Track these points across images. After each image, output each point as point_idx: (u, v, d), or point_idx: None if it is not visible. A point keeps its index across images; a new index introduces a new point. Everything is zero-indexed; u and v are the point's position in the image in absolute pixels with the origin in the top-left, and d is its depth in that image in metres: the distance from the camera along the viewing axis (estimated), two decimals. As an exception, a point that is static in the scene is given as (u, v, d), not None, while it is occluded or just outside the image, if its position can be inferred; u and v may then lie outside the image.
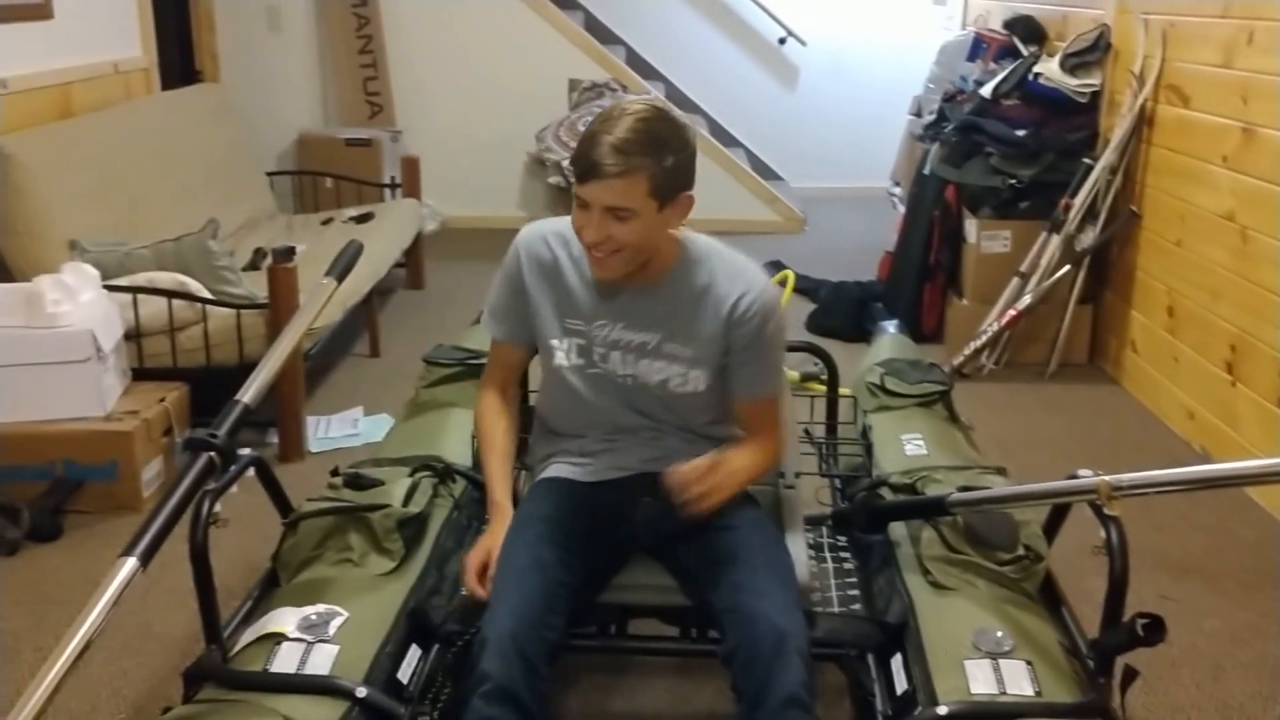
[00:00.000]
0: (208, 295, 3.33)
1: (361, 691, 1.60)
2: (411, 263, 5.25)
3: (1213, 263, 3.48)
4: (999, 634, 1.69)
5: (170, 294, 3.27)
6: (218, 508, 1.71)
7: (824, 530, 2.29)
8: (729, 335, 1.84)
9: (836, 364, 2.55)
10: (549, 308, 1.91)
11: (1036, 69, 4.36)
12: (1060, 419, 3.80)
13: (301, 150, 6.03)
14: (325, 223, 4.85)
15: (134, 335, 3.26)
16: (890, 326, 3.09)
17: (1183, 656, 2.41)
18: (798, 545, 1.98)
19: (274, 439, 3.39)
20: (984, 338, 4.12)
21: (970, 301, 4.32)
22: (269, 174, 5.44)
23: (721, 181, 6.42)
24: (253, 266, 3.97)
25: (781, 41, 7.28)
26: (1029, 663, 1.63)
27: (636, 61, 6.93)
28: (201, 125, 4.78)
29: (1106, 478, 1.62)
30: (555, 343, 1.91)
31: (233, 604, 1.92)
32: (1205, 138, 3.54)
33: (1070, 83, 4.25)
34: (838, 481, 2.46)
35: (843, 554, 2.20)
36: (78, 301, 2.98)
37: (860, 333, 4.31)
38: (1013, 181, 4.20)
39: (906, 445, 2.35)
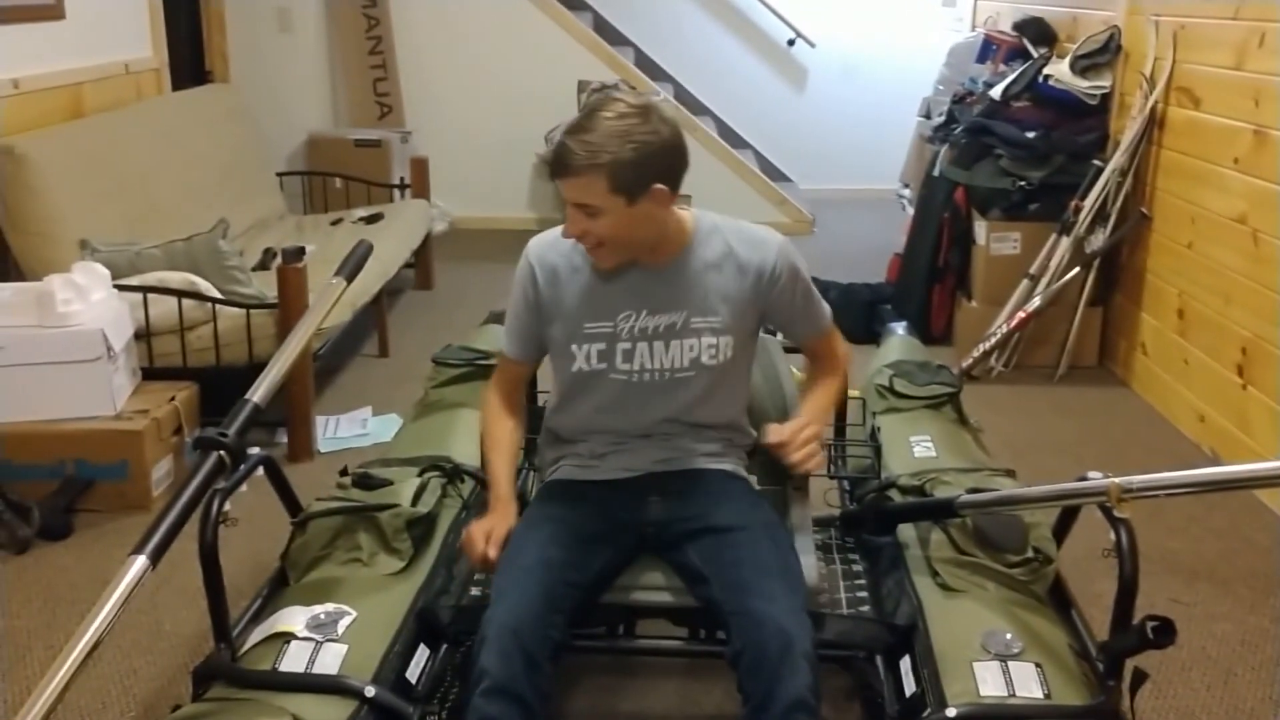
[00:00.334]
0: (218, 295, 3.34)
1: (370, 691, 1.60)
2: (420, 263, 5.26)
3: (1224, 265, 3.47)
4: (1008, 636, 1.68)
5: (180, 293, 3.28)
6: (227, 507, 1.72)
7: (832, 532, 2.29)
8: (766, 298, 1.90)
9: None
10: (566, 314, 1.89)
11: (1046, 71, 4.35)
12: (1070, 421, 3.79)
13: (311, 151, 6.04)
14: (335, 223, 4.86)
15: (144, 334, 3.27)
16: (899, 328, 3.09)
17: (1193, 660, 2.40)
18: (806, 547, 1.98)
19: (283, 439, 3.40)
20: (993, 340, 4.11)
21: (979, 303, 4.31)
22: (279, 174, 5.44)
23: (730, 183, 6.42)
24: (262, 266, 3.98)
25: (790, 43, 7.27)
26: (1038, 665, 1.63)
27: (645, 63, 6.94)
28: (212, 126, 4.79)
29: (1116, 480, 1.62)
30: (575, 348, 1.89)
31: (242, 603, 1.92)
32: (1216, 140, 3.53)
33: (1080, 85, 4.24)
34: (846, 483, 2.46)
35: (851, 556, 2.20)
36: (88, 301, 2.99)
37: (869, 335, 4.29)
38: (1022, 183, 4.19)
39: (915, 447, 2.35)
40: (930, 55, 6.03)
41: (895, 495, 2.14)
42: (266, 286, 3.43)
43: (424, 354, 2.88)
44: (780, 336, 2.21)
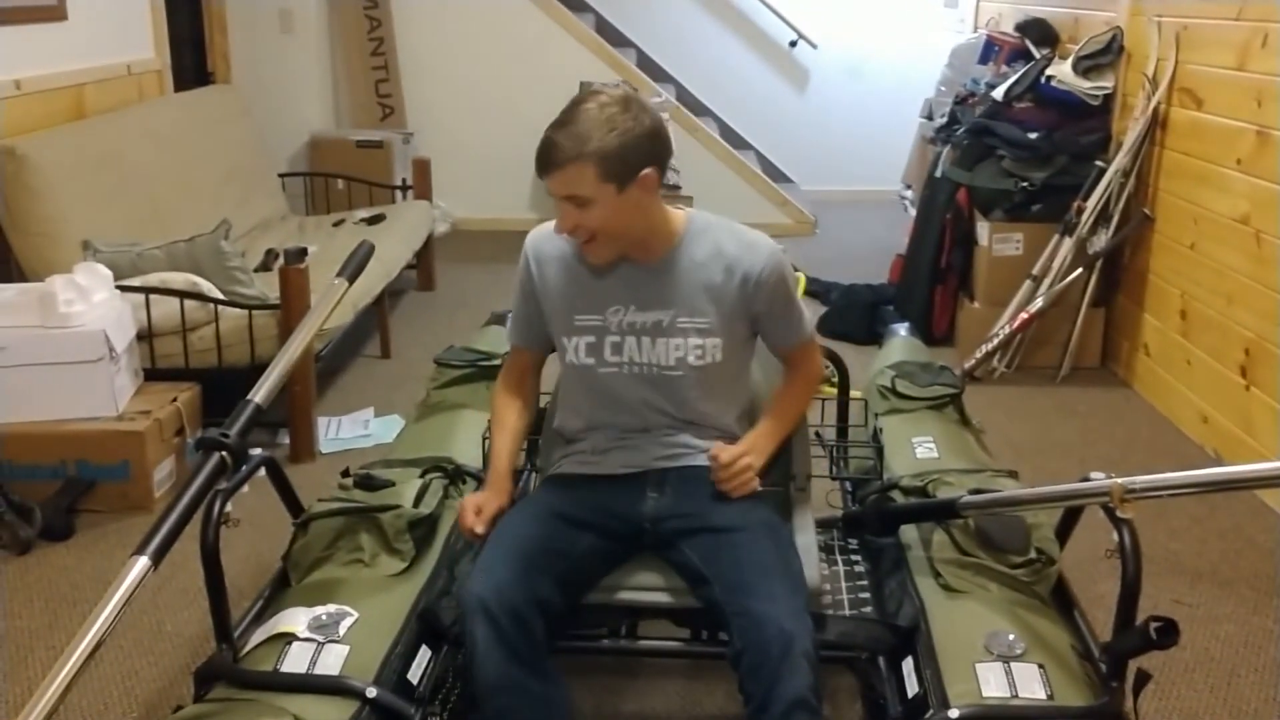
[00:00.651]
0: (220, 296, 3.34)
1: (372, 692, 1.60)
2: (422, 264, 5.26)
3: (1226, 266, 3.46)
4: (1011, 637, 1.68)
5: (182, 294, 3.28)
6: (229, 508, 1.72)
7: (834, 533, 2.29)
8: (752, 301, 1.89)
9: (848, 367, 2.55)
10: (559, 306, 1.93)
11: (1049, 71, 4.35)
12: (1072, 422, 3.79)
13: (313, 152, 6.04)
14: (337, 224, 4.86)
15: (146, 335, 3.27)
16: (901, 329, 3.08)
17: (1196, 662, 2.40)
18: (808, 548, 1.97)
19: (285, 439, 3.40)
20: (995, 341, 4.11)
21: (982, 305, 4.31)
22: (281, 175, 5.45)
23: (732, 184, 6.42)
24: (264, 267, 3.99)
25: (792, 44, 7.27)
26: (1041, 666, 1.63)
27: (647, 64, 6.94)
28: (214, 127, 4.79)
29: (1119, 480, 1.62)
30: (565, 340, 1.93)
31: (244, 604, 1.93)
32: (1219, 141, 3.53)
33: (1083, 85, 4.24)
34: (848, 484, 2.46)
35: (853, 557, 2.20)
36: (90, 302, 2.99)
37: (871, 336, 4.30)
38: (1025, 184, 4.19)
39: (917, 448, 2.34)
40: (932, 56, 6.04)
41: (897, 496, 2.14)
42: (268, 287, 3.43)
43: (426, 355, 2.88)
44: None
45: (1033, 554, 1.87)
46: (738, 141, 7.01)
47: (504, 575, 1.69)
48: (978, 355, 4.12)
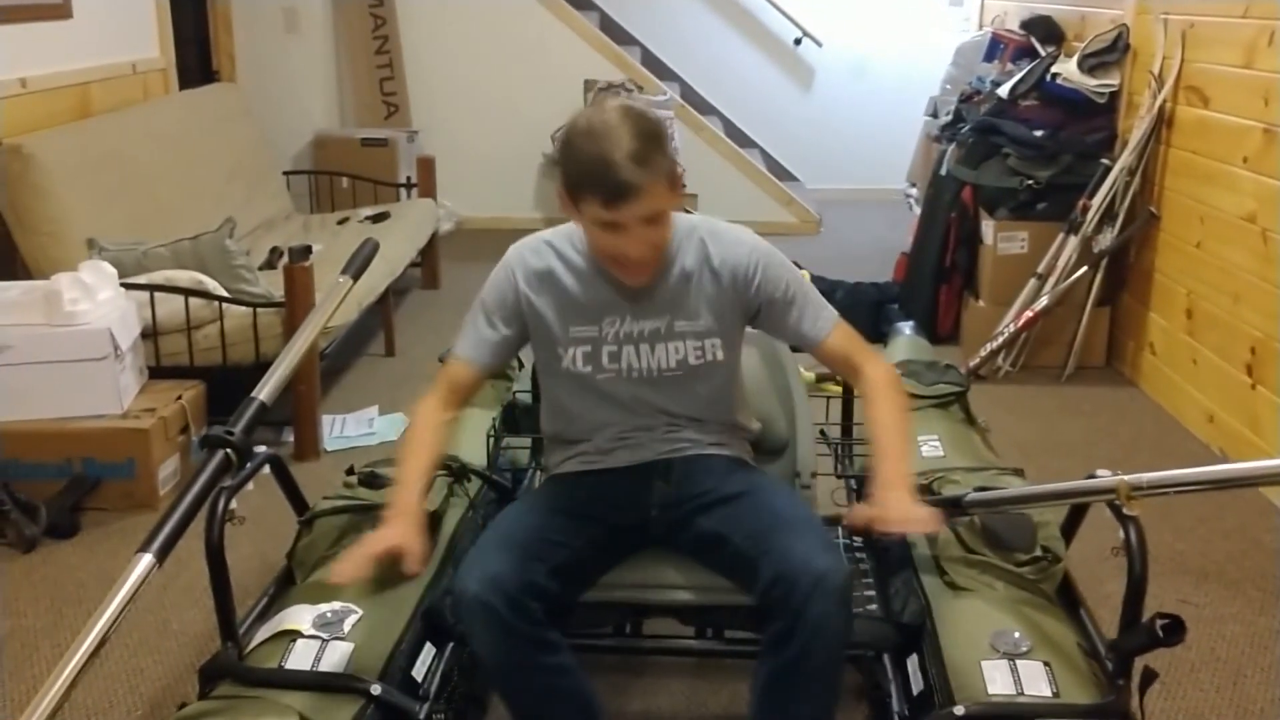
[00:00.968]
0: (225, 294, 3.34)
1: (376, 689, 1.60)
2: (427, 263, 5.26)
3: (1233, 265, 3.45)
4: (1016, 635, 1.67)
5: (187, 292, 3.28)
6: (233, 505, 1.72)
7: (840, 531, 2.28)
8: (748, 298, 1.85)
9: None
10: (551, 319, 1.86)
11: (1054, 69, 4.34)
12: (1078, 421, 3.78)
13: (318, 150, 6.05)
14: (341, 222, 4.86)
15: (151, 333, 3.27)
16: (906, 327, 3.07)
17: (1202, 661, 2.39)
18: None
19: (289, 438, 3.40)
20: (1000, 340, 4.10)
21: (986, 303, 4.30)
22: (286, 174, 5.46)
23: (737, 183, 6.42)
24: (269, 265, 3.99)
25: (797, 42, 7.26)
26: (1046, 664, 1.62)
27: (652, 62, 6.93)
28: (219, 125, 4.79)
29: (1125, 477, 1.61)
30: (561, 351, 1.87)
31: (249, 601, 1.92)
32: (1225, 139, 3.52)
33: (1089, 83, 4.23)
34: (853, 482, 2.45)
35: (859, 555, 2.19)
36: (95, 300, 2.99)
37: (876, 334, 4.28)
38: (1030, 182, 4.18)
39: (923, 446, 2.34)
40: (937, 54, 6.02)
41: (903, 494, 2.13)
42: (273, 285, 3.43)
43: (430, 353, 2.88)
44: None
45: (1038, 552, 1.86)
46: (742, 140, 7.00)
47: (497, 564, 1.68)
48: (982, 354, 4.11)
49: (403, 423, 3.53)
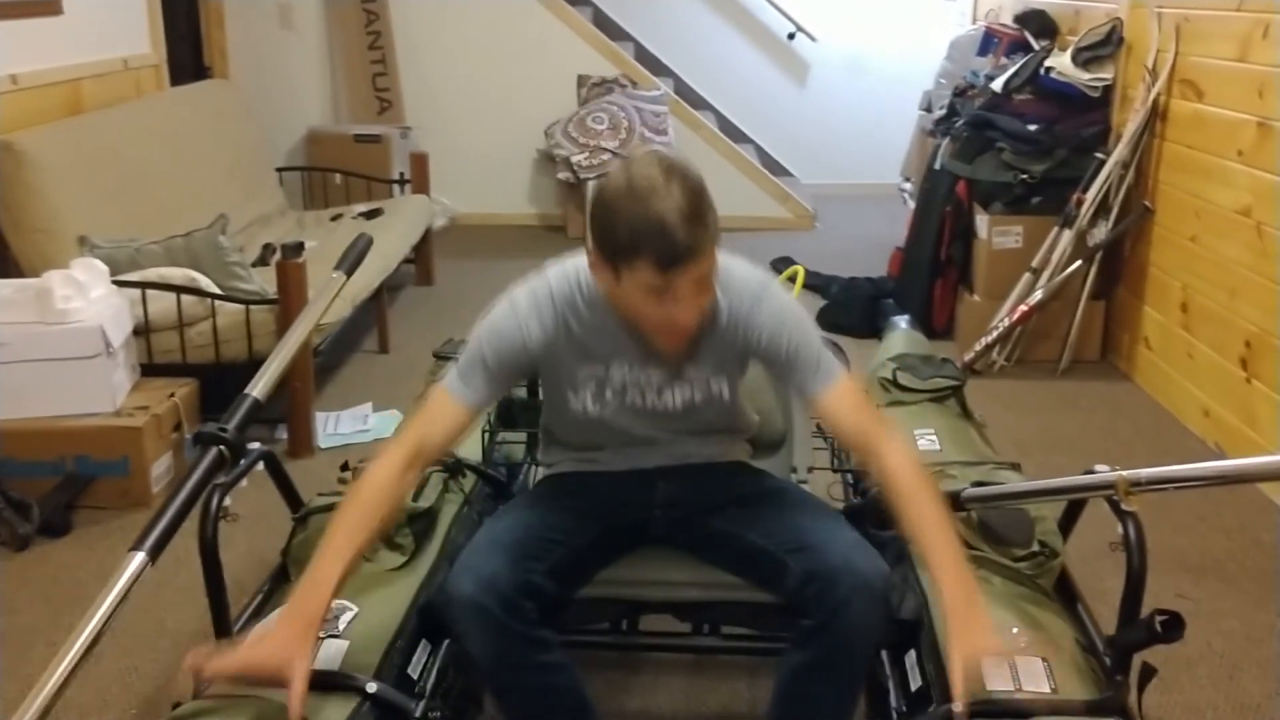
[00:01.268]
0: (217, 291, 3.33)
1: (372, 687, 1.59)
2: (421, 259, 5.25)
3: (1228, 259, 3.45)
4: (1014, 630, 1.67)
5: (180, 290, 3.27)
6: (227, 502, 1.71)
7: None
8: (752, 351, 1.76)
9: (849, 359, 2.53)
10: (559, 366, 1.79)
11: (1048, 63, 4.34)
12: (1073, 416, 3.78)
13: (311, 146, 6.03)
14: (335, 219, 4.85)
15: (144, 331, 3.26)
16: (902, 321, 3.07)
17: (1199, 656, 2.39)
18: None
19: (284, 435, 3.39)
20: (995, 334, 4.10)
21: (981, 298, 4.30)
22: (278, 170, 5.43)
23: (731, 178, 6.41)
24: (262, 262, 3.97)
25: (791, 37, 7.25)
26: (1045, 660, 1.62)
27: (646, 57, 6.92)
28: (211, 121, 4.77)
29: (1124, 473, 1.61)
30: (569, 394, 1.81)
31: (243, 599, 1.91)
32: (1220, 132, 3.52)
33: (1083, 77, 4.22)
34: (850, 477, 2.45)
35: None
36: (88, 297, 2.98)
37: (872, 329, 4.29)
38: (1024, 177, 4.18)
39: (920, 441, 2.33)
40: (931, 49, 6.02)
41: (900, 489, 2.12)
42: (266, 282, 3.42)
43: (425, 350, 2.87)
44: None
45: (1036, 547, 1.86)
46: (737, 135, 6.99)
47: (492, 564, 1.65)
48: (977, 348, 4.11)
49: (397, 420, 3.52)
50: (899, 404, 2.54)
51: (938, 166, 4.62)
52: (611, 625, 1.97)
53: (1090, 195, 4.05)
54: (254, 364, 2.33)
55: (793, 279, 3.16)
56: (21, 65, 3.72)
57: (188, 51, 5.51)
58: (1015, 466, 2.22)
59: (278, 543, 2.01)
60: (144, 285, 3.24)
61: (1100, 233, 4.08)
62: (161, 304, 3.26)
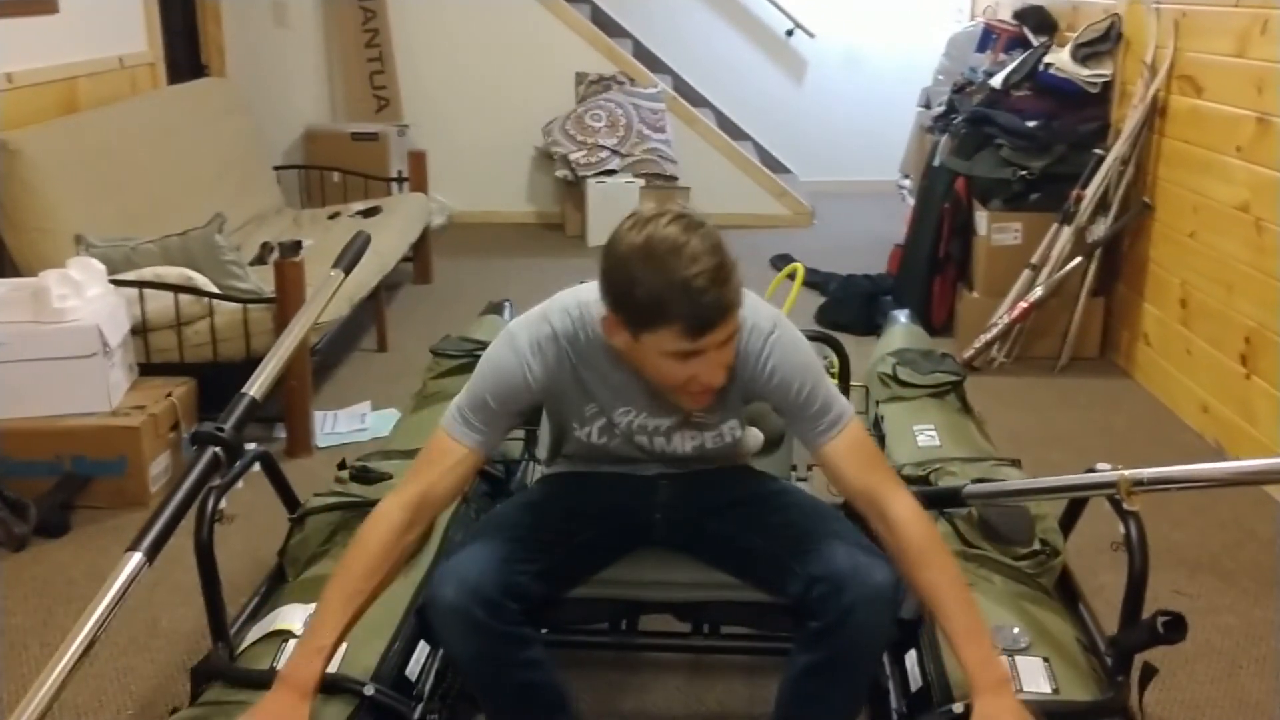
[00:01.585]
0: (214, 290, 3.32)
1: (369, 689, 1.58)
2: (419, 257, 5.23)
3: (1227, 255, 3.44)
4: (1015, 630, 1.66)
5: (177, 289, 3.26)
6: (224, 503, 1.70)
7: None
8: (759, 394, 1.72)
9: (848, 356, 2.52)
10: (564, 407, 1.76)
11: (1047, 60, 4.33)
12: (1072, 412, 3.77)
13: (308, 145, 6.02)
14: (332, 217, 4.83)
15: (141, 330, 3.24)
16: (901, 316, 3.07)
17: (1198, 653, 2.38)
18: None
19: (282, 434, 3.38)
20: (994, 331, 4.10)
21: (980, 294, 4.29)
22: (276, 168, 5.42)
23: (730, 175, 6.40)
24: (259, 261, 3.96)
25: (789, 34, 7.24)
26: (1046, 660, 1.61)
27: (643, 54, 6.90)
28: (208, 120, 4.76)
29: (1126, 472, 1.60)
30: (575, 427, 1.78)
31: (240, 600, 1.91)
32: (1219, 128, 3.51)
33: (1081, 73, 4.22)
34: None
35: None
36: (84, 297, 2.97)
37: (870, 326, 4.28)
38: (1023, 173, 4.17)
39: (919, 436, 2.33)
40: (930, 45, 6.01)
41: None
42: (264, 281, 3.41)
43: (423, 348, 2.86)
44: None
45: (1037, 545, 1.86)
46: (735, 132, 6.98)
47: (476, 568, 1.61)
48: (976, 345, 4.10)
49: (395, 418, 3.51)
50: (898, 399, 2.53)
51: (936, 163, 4.61)
52: (610, 625, 1.96)
53: (1089, 191, 4.04)
54: (252, 363, 2.32)
55: (792, 276, 3.16)
56: (17, 64, 3.71)
57: (184, 50, 5.50)
58: (1016, 463, 2.21)
59: (274, 543, 2.00)
60: (141, 284, 3.23)
61: (1099, 229, 4.08)
62: (158, 303, 3.25)
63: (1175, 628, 1.52)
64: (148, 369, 3.25)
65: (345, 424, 3.59)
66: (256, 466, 1.86)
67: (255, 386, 1.88)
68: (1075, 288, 4.13)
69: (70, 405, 2.94)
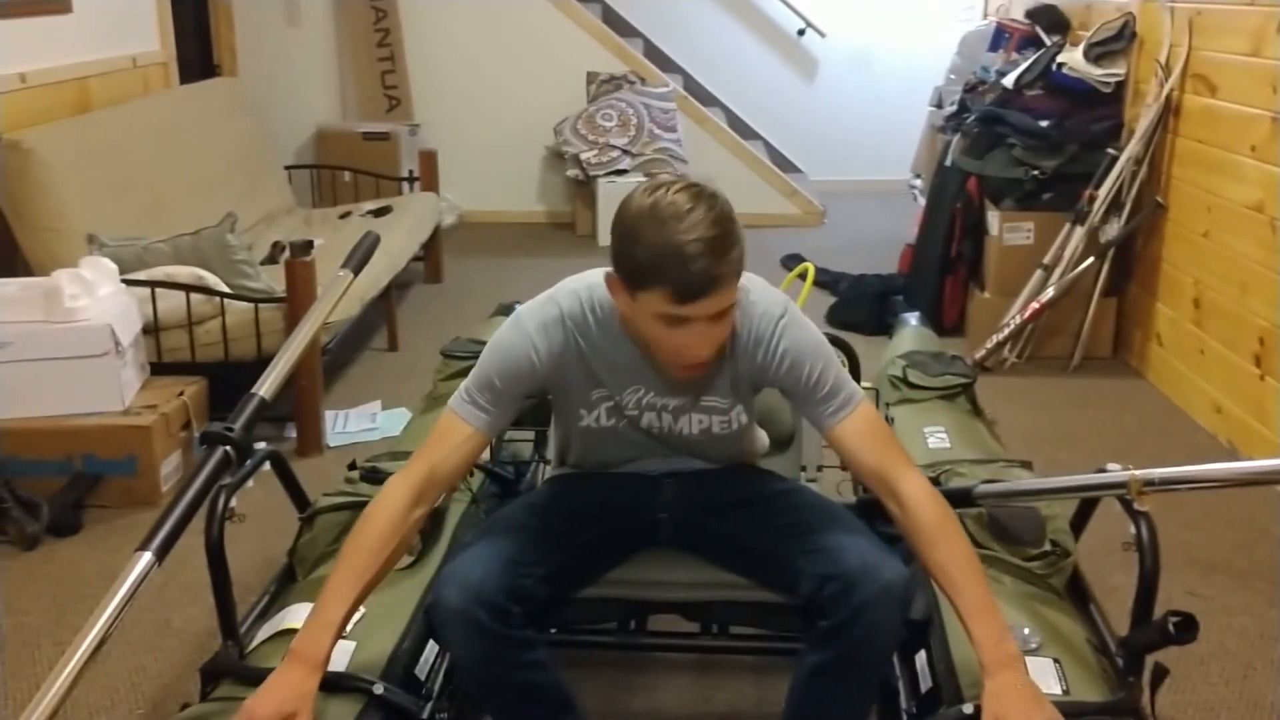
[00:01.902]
0: (226, 289, 3.33)
1: (379, 688, 1.58)
2: (429, 256, 5.24)
3: (1241, 255, 3.43)
4: (1026, 631, 1.66)
5: (188, 288, 3.27)
6: (234, 503, 1.70)
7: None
8: (769, 380, 1.72)
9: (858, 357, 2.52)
10: (571, 389, 1.75)
11: (1060, 59, 4.31)
12: (1084, 413, 3.76)
13: (319, 144, 6.03)
14: (343, 216, 4.84)
15: (152, 329, 3.25)
16: (912, 318, 3.06)
17: (1211, 654, 2.37)
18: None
19: (292, 433, 3.39)
20: (1006, 331, 4.08)
21: (992, 294, 4.28)
22: (287, 168, 5.44)
23: (740, 174, 6.39)
24: (271, 260, 3.97)
25: (800, 33, 7.23)
26: (1056, 661, 1.61)
27: (654, 54, 6.90)
28: (220, 119, 4.78)
29: (1137, 473, 1.60)
30: (582, 412, 1.78)
31: (250, 599, 1.91)
32: (1233, 128, 3.49)
33: (1094, 73, 4.20)
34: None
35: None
36: (96, 296, 2.98)
37: (881, 326, 4.27)
38: (1036, 173, 4.15)
39: (929, 438, 2.32)
40: (942, 44, 5.99)
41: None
42: (275, 280, 3.42)
43: (433, 347, 2.86)
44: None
45: (1048, 546, 1.85)
46: (746, 131, 6.98)
47: (480, 571, 1.61)
48: (988, 346, 4.09)
49: (406, 418, 3.51)
50: (909, 401, 2.52)
51: (948, 163, 4.60)
52: (618, 625, 1.95)
53: (1102, 191, 4.02)
54: (262, 362, 2.33)
55: (802, 276, 3.15)
56: (30, 63, 3.73)
57: (196, 49, 5.52)
58: (1026, 465, 2.20)
59: (284, 542, 2.01)
60: (152, 284, 3.24)
61: (1112, 229, 4.06)
62: (170, 302, 3.26)
63: (1186, 628, 1.51)
64: (159, 368, 3.26)
65: (356, 423, 3.59)
66: (267, 466, 1.86)
67: (265, 386, 1.88)
68: (1087, 288, 4.11)
69: (82, 404, 2.95)
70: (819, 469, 2.30)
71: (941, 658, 1.68)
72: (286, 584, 1.92)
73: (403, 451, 2.24)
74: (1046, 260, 4.12)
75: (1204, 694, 2.25)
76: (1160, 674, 1.60)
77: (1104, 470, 1.68)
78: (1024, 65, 4.46)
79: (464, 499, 2.12)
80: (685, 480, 1.84)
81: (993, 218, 4.28)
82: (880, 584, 1.57)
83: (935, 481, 2.08)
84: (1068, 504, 1.95)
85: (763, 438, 1.97)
